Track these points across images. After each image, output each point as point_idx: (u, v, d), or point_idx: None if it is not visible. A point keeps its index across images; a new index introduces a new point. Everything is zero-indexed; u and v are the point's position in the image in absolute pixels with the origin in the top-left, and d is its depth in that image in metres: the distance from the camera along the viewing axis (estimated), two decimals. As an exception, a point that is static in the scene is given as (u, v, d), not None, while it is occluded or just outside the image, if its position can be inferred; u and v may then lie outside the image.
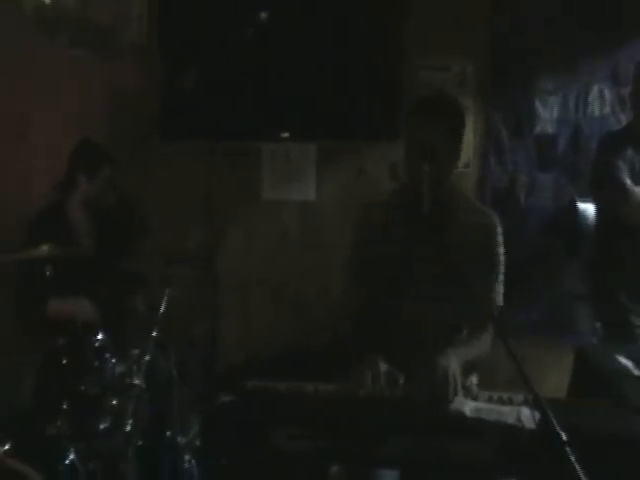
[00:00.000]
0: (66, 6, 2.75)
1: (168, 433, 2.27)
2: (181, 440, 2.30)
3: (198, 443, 2.36)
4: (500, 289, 2.06)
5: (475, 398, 1.75)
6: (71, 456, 2.09)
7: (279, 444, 1.81)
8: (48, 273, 2.32)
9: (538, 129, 3.07)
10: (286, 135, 3.03)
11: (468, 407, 1.70)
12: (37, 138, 3.11)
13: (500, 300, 2.06)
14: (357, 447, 1.74)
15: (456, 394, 1.73)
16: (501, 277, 2.06)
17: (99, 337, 2.27)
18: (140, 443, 2.14)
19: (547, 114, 3.06)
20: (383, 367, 1.84)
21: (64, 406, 2.13)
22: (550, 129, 3.07)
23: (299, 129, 3.03)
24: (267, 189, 3.12)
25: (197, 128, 3.01)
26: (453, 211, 2.04)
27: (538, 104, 3.06)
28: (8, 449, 1.97)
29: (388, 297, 2.04)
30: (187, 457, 2.31)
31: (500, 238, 2.05)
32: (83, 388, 2.17)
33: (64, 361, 2.21)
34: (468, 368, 1.89)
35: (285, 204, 3.11)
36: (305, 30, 2.98)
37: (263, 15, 3.00)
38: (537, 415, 1.53)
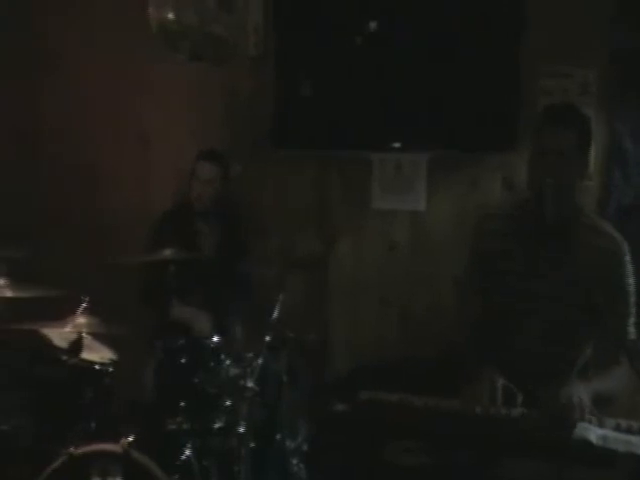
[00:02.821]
0: (188, 21, 2.89)
1: (277, 437, 2.32)
2: (289, 444, 2.34)
3: (305, 448, 2.39)
4: (631, 321, 1.95)
5: (601, 425, 1.67)
6: (187, 452, 2.19)
7: (389, 456, 1.80)
8: (171, 275, 2.45)
9: (669, 140, 2.89)
10: (398, 145, 3.02)
11: (594, 434, 1.62)
12: (158, 147, 3.27)
13: (633, 332, 1.95)
14: (470, 465, 1.71)
15: (582, 419, 1.65)
16: (633, 309, 1.95)
17: (214, 339, 2.36)
18: (252, 445, 2.20)
19: (679, 124, 2.87)
20: (501, 382, 1.79)
21: (182, 403, 2.23)
22: (682, 141, 2.88)
23: (411, 139, 3.00)
24: (377, 198, 3.11)
25: (310, 136, 3.06)
26: (577, 227, 1.97)
27: (669, 114, 2.88)
28: (132, 441, 2.08)
29: (505, 312, 1.98)
30: (295, 461, 2.34)
31: (629, 267, 1.94)
32: (200, 387, 2.27)
33: (182, 360, 2.32)
34: (601, 401, 1.79)
35: (395, 214, 3.10)
36: (420, 39, 2.95)
37: (377, 24, 3.00)
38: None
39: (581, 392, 1.72)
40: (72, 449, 2.05)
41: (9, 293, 2.33)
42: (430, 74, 2.94)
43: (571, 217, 1.95)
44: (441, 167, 3.04)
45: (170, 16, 2.86)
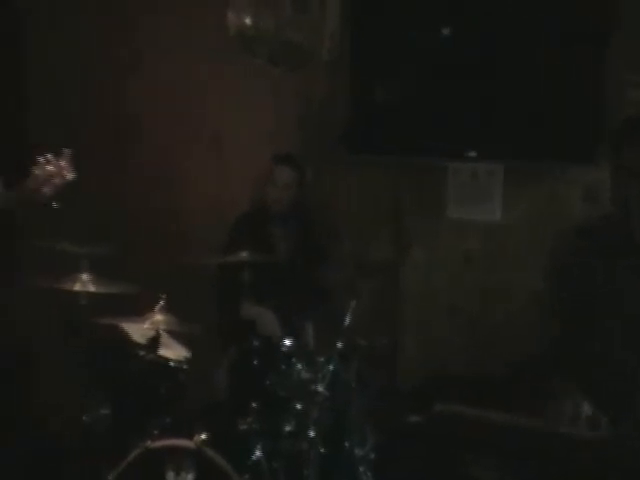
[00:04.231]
0: (266, 26, 2.92)
1: (346, 444, 2.31)
2: (358, 452, 2.33)
3: (372, 456, 2.38)
4: None
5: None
6: (258, 453, 2.21)
7: (462, 470, 1.77)
8: (245, 276, 2.49)
9: None
10: (473, 154, 2.97)
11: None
12: (232, 149, 3.33)
13: None
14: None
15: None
16: None
17: (287, 342, 2.38)
18: (321, 450, 2.20)
19: None
20: (586, 404, 1.73)
21: (254, 404, 2.25)
22: None
23: (487, 148, 2.95)
24: (452, 207, 3.07)
25: (384, 143, 3.05)
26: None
27: None
28: (205, 438, 2.12)
29: (591, 325, 1.92)
30: (362, 469, 2.33)
31: None
32: (271, 390, 2.29)
33: (255, 362, 2.35)
34: None
35: (469, 223, 3.05)
36: (497, 46, 2.89)
37: (454, 28, 2.96)
38: None
39: None
40: (148, 443, 2.10)
41: (92, 288, 2.42)
42: (509, 81, 2.88)
43: None
44: (518, 177, 2.97)
45: (247, 21, 2.91)
